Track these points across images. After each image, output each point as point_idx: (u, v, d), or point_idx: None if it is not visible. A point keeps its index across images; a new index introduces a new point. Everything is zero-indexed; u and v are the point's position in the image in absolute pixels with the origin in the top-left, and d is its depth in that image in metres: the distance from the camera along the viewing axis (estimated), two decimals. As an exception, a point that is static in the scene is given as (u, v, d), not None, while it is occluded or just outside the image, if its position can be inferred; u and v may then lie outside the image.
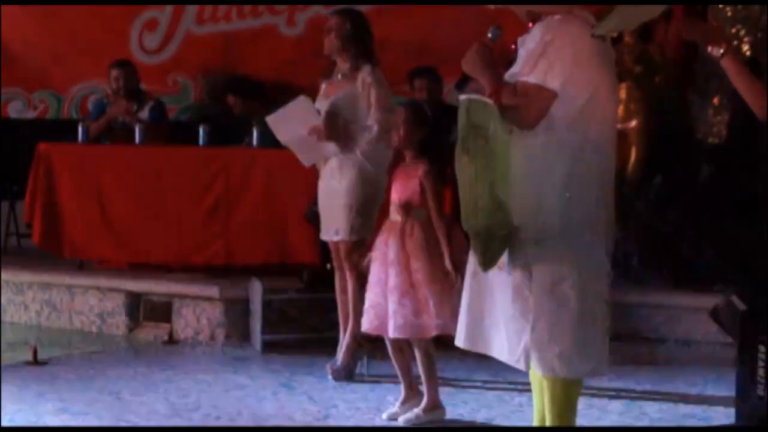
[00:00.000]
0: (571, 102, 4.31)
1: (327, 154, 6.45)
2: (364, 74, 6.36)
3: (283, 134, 6.55)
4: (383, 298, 5.55)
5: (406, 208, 5.55)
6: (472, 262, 4.57)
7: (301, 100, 6.51)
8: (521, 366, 4.43)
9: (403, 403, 5.68)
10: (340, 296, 6.54)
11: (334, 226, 6.43)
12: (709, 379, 6.49)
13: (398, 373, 5.71)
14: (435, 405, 5.59)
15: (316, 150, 6.48)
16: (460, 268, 5.17)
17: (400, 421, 5.57)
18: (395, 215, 5.62)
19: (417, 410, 5.58)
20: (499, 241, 4.37)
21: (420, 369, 5.60)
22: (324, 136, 6.38)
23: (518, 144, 4.39)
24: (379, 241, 5.66)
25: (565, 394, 4.45)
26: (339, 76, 6.48)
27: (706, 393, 6.20)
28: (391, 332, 5.51)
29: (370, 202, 6.36)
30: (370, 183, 6.35)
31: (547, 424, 4.49)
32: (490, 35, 4.56)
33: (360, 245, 6.32)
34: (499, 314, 4.48)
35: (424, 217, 5.51)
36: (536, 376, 4.51)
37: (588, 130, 4.36)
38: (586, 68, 4.34)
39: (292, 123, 6.44)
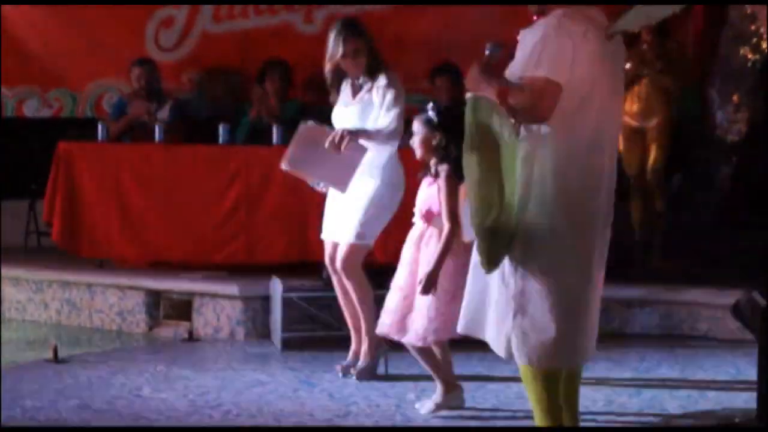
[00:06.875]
0: (570, 97, 4.30)
1: (357, 163, 6.15)
2: (381, 80, 6.26)
3: (311, 171, 6.29)
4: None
5: (427, 216, 5.57)
6: (475, 254, 4.56)
7: (306, 128, 6.26)
8: (501, 353, 4.45)
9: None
10: (343, 298, 6.47)
11: (339, 227, 6.34)
12: (731, 377, 6.46)
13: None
14: (449, 387, 5.62)
15: (348, 166, 6.12)
16: (434, 284, 5.31)
17: (421, 411, 5.61)
18: (418, 222, 5.64)
19: (434, 396, 5.63)
20: (502, 241, 4.36)
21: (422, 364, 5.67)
22: (348, 137, 6.09)
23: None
24: (405, 246, 5.69)
25: (543, 385, 4.44)
26: (359, 80, 6.34)
27: (726, 391, 6.17)
28: (386, 330, 5.65)
29: (382, 209, 6.28)
30: (386, 188, 6.27)
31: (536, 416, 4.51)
32: (488, 52, 4.53)
33: (361, 251, 6.29)
34: (492, 301, 4.49)
35: (442, 226, 5.51)
36: None
37: (584, 125, 4.35)
38: (587, 63, 4.33)
39: (312, 154, 6.18)
